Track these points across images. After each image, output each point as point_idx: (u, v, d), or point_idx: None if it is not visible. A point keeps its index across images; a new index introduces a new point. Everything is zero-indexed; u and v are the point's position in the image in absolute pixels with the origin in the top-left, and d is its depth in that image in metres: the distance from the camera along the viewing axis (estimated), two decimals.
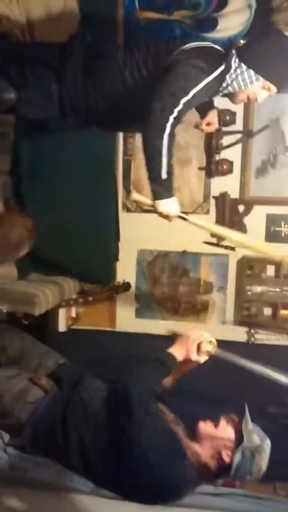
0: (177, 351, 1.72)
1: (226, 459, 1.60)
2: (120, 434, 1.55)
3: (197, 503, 1.97)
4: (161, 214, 2.05)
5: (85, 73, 2.10)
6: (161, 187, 1.97)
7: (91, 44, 2.15)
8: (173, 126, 1.90)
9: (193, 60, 1.95)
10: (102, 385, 1.76)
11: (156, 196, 2.00)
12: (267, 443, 1.64)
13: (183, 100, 1.90)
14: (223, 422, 1.67)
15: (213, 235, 3.37)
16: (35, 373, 1.80)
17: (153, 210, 2.07)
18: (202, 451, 1.62)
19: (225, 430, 1.64)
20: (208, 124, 2.39)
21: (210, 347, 1.75)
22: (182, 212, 2.11)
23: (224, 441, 1.61)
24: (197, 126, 2.40)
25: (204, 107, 2.36)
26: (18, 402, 1.69)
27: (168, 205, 2.01)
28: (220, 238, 3.33)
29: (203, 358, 1.77)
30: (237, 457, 1.58)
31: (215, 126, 2.43)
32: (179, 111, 1.90)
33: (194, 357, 1.74)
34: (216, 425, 1.66)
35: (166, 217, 2.06)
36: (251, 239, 2.25)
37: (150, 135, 1.90)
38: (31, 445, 1.69)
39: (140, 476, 1.53)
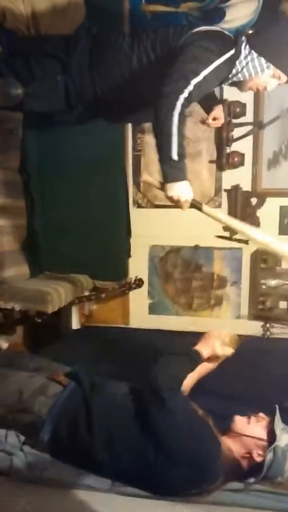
0: (203, 348, 1.72)
1: (258, 458, 1.56)
2: (149, 424, 1.53)
3: (216, 499, 1.94)
4: (171, 200, 1.92)
5: (91, 63, 2.08)
6: (172, 169, 1.87)
7: (97, 34, 2.13)
8: (184, 106, 1.85)
9: (203, 42, 1.92)
10: (120, 383, 1.75)
11: (166, 178, 1.88)
12: None
13: (194, 81, 1.87)
14: (253, 420, 1.64)
15: (226, 228, 3.35)
16: (53, 372, 1.79)
17: (169, 203, 1.94)
18: (234, 447, 1.59)
19: (256, 428, 1.61)
20: (214, 119, 2.36)
21: (230, 338, 1.78)
22: (197, 201, 1.98)
23: (255, 440, 1.58)
24: (203, 121, 2.37)
25: (210, 102, 2.34)
26: (38, 397, 1.66)
27: (180, 189, 1.89)
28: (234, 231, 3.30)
29: (228, 350, 1.76)
30: (269, 456, 1.54)
31: (221, 121, 2.40)
32: (190, 92, 1.86)
33: (219, 350, 1.74)
34: (248, 421, 1.64)
35: (177, 203, 1.94)
36: (266, 237, 2.07)
37: (161, 115, 1.84)
38: (51, 444, 1.65)
39: (172, 465, 1.50)
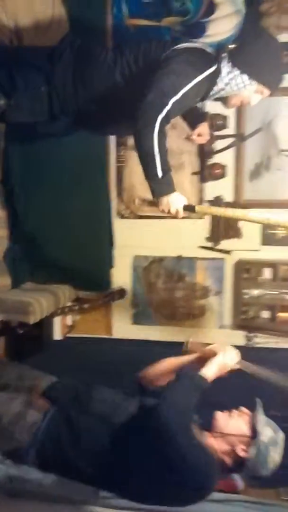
0: (211, 373, 1.67)
1: (241, 453, 1.58)
2: (149, 448, 1.51)
3: (200, 510, 1.93)
4: (164, 212, 2.00)
5: (75, 75, 2.09)
6: (159, 185, 1.94)
7: (81, 47, 2.15)
8: (162, 125, 1.88)
9: (184, 58, 1.95)
10: (112, 394, 1.73)
11: (155, 194, 1.96)
12: (281, 435, 1.63)
13: (172, 100, 1.90)
14: (235, 414, 1.66)
15: (209, 239, 3.39)
16: (31, 394, 1.75)
17: (152, 214, 2.03)
18: (217, 446, 1.60)
19: (239, 424, 1.63)
20: (199, 135, 2.38)
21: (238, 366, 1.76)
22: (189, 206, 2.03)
23: (238, 436, 1.60)
24: (188, 138, 2.40)
25: (195, 119, 2.37)
26: (18, 423, 1.65)
27: (170, 201, 1.96)
28: (218, 240, 3.33)
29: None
30: (252, 451, 1.57)
31: (206, 137, 2.43)
32: (168, 111, 1.89)
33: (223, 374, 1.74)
34: (230, 415, 1.65)
35: (170, 213, 1.99)
36: (261, 214, 2.07)
37: (141, 136, 1.89)
38: (37, 462, 1.66)
39: (168, 483, 1.51)
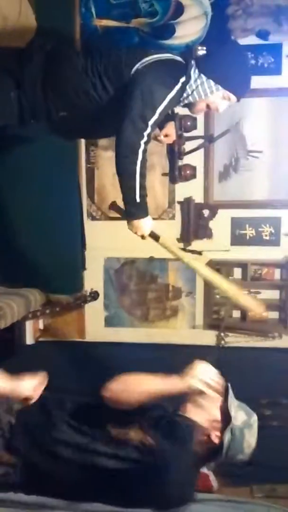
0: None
1: (216, 440, 1.55)
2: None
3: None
4: (134, 232, 2.11)
5: (45, 80, 2.06)
6: (135, 209, 2.03)
7: (50, 51, 2.12)
8: (145, 150, 1.95)
9: (157, 74, 1.96)
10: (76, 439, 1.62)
11: (131, 216, 2.06)
12: (254, 418, 1.60)
13: (151, 122, 1.94)
14: (207, 402, 1.60)
15: (179, 240, 3.41)
16: None
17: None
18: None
19: (211, 410, 1.59)
20: (166, 135, 2.41)
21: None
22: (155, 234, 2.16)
23: (211, 422, 1.57)
24: (155, 138, 2.42)
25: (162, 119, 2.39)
26: None
27: (141, 225, 2.07)
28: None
29: None
30: (227, 437, 1.54)
31: (172, 137, 2.46)
32: (148, 134, 1.95)
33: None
34: (202, 404, 1.60)
35: (138, 235, 2.11)
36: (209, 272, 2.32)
37: (123, 162, 1.95)
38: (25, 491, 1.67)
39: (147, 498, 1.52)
